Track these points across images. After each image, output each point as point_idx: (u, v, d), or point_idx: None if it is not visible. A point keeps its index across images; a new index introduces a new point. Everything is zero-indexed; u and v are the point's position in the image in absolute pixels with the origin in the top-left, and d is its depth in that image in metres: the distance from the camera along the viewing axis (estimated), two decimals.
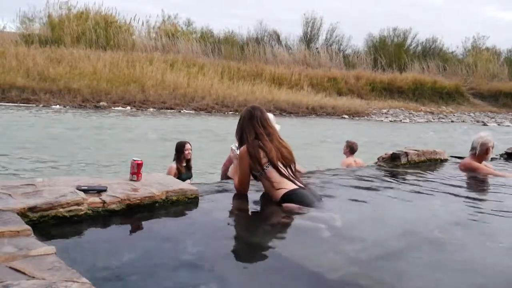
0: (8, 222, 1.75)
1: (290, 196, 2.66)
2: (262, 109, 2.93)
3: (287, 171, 2.78)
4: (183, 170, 5.48)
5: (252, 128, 2.80)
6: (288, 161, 2.81)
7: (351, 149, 6.36)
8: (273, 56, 30.40)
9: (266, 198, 2.81)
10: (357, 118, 23.03)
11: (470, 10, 74.45)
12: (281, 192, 2.68)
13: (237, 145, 2.97)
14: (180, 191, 2.60)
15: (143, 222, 2.33)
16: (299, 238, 2.31)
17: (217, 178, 5.31)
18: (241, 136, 2.86)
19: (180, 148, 5.57)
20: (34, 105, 18.15)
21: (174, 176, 4.75)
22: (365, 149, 8.43)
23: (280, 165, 2.76)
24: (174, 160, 5.57)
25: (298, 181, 2.79)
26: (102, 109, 18.72)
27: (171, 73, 23.08)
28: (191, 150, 5.63)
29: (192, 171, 5.73)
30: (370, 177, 3.91)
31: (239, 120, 2.91)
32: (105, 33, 27.53)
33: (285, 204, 2.65)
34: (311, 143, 12.75)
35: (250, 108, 2.92)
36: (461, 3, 76.51)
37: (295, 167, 2.86)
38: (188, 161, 5.64)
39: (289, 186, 2.71)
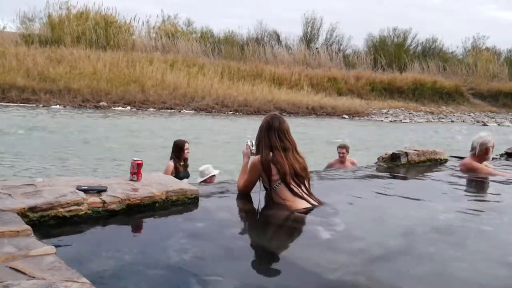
0: (8, 222, 1.75)
1: None
2: (282, 120, 2.84)
3: (301, 189, 2.70)
4: (181, 169, 5.48)
5: (269, 140, 2.73)
6: (302, 179, 2.73)
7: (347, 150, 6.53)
8: (273, 56, 30.39)
9: (267, 199, 2.81)
10: (357, 118, 23.04)
11: (470, 10, 74.50)
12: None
13: (253, 142, 2.94)
14: (180, 191, 2.59)
15: (143, 222, 2.33)
16: (299, 238, 2.31)
17: (216, 178, 5.32)
18: (258, 145, 2.82)
19: (179, 147, 5.56)
20: (34, 105, 18.16)
21: (171, 175, 4.79)
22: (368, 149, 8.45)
23: (292, 183, 2.68)
24: (171, 159, 5.55)
25: (312, 198, 2.72)
26: (102, 109, 18.72)
27: (171, 73, 23.09)
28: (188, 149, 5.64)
29: (192, 170, 5.73)
30: (370, 177, 3.91)
31: (259, 127, 2.85)
32: (105, 33, 27.53)
33: (287, 209, 2.60)
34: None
35: (269, 118, 2.84)
36: (461, 3, 76.59)
37: (309, 184, 2.79)
38: (185, 160, 5.64)
39: (301, 205, 2.64)
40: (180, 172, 5.34)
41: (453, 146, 11.32)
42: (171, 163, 5.46)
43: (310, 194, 2.74)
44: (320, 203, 2.73)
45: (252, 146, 2.95)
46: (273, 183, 2.69)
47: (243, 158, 3.00)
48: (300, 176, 2.72)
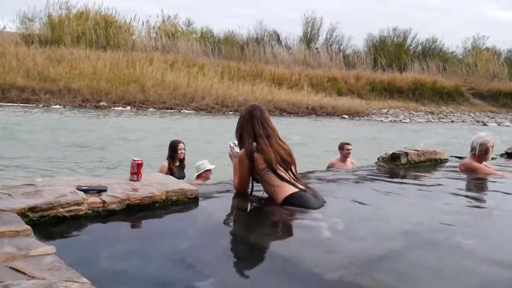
0: (8, 222, 1.75)
1: (290, 200, 2.64)
2: (263, 109, 2.89)
3: (288, 174, 2.74)
4: (175, 169, 5.48)
5: (252, 128, 2.76)
6: (288, 164, 2.77)
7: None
8: (273, 56, 30.39)
9: (266, 198, 2.81)
10: (357, 118, 23.04)
11: (470, 10, 74.54)
12: (282, 196, 2.66)
13: (236, 142, 2.96)
14: (180, 191, 2.59)
15: (143, 222, 2.33)
16: (299, 238, 2.31)
17: (216, 178, 5.32)
18: (241, 136, 2.84)
19: (173, 147, 5.58)
20: (34, 105, 18.16)
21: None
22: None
23: (280, 168, 2.72)
24: (167, 159, 5.59)
25: (299, 183, 2.76)
26: (102, 109, 18.72)
27: (171, 73, 23.09)
28: (184, 150, 5.63)
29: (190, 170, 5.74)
30: (370, 177, 3.91)
31: (239, 119, 2.88)
32: (105, 33, 27.54)
33: (285, 206, 2.64)
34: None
35: (250, 108, 2.88)
36: (461, 3, 76.63)
37: (295, 169, 2.83)
38: (181, 161, 5.64)
39: (290, 189, 2.67)
40: (174, 172, 5.33)
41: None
42: (165, 164, 5.50)
43: (297, 179, 2.78)
44: (307, 187, 2.78)
45: (235, 146, 2.97)
46: (261, 172, 2.72)
47: (232, 160, 3.02)
48: (286, 161, 2.77)
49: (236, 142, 2.95)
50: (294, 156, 2.87)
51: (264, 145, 2.73)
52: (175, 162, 5.56)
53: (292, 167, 2.80)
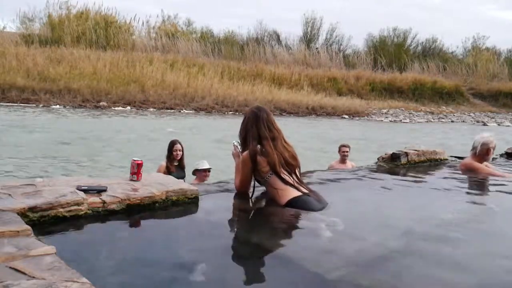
0: (8, 222, 1.75)
1: (293, 203, 2.61)
2: (268, 111, 2.86)
3: (292, 177, 2.71)
4: (173, 169, 5.50)
5: (257, 130, 2.73)
6: (292, 167, 2.74)
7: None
8: (273, 56, 30.42)
9: (267, 199, 2.81)
10: (357, 118, 23.04)
11: (470, 10, 74.62)
12: (285, 200, 2.63)
13: (239, 141, 2.95)
14: (180, 191, 2.59)
15: (143, 222, 2.33)
16: (299, 238, 2.31)
17: (215, 178, 5.32)
18: (245, 137, 2.81)
19: (169, 148, 5.62)
20: (34, 105, 18.17)
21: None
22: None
23: (283, 171, 2.68)
24: (166, 159, 5.63)
25: (303, 186, 2.73)
26: (102, 109, 18.72)
27: (171, 73, 23.11)
28: (181, 150, 5.63)
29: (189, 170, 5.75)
30: (370, 177, 3.91)
31: (244, 120, 2.85)
32: (105, 33, 27.57)
33: (287, 209, 2.62)
34: None
35: (255, 109, 2.84)
36: (461, 3, 76.72)
37: (300, 172, 2.80)
38: (180, 161, 5.65)
39: (293, 193, 2.65)
40: (172, 172, 5.34)
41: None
42: (163, 163, 5.56)
43: (301, 183, 2.75)
44: (311, 191, 2.75)
45: (239, 145, 2.95)
46: (265, 175, 2.70)
47: (234, 160, 2.99)
48: (290, 164, 2.74)
49: (239, 141, 2.93)
50: (299, 158, 2.83)
51: (269, 147, 2.69)
52: (173, 162, 5.59)
53: (296, 170, 2.76)
